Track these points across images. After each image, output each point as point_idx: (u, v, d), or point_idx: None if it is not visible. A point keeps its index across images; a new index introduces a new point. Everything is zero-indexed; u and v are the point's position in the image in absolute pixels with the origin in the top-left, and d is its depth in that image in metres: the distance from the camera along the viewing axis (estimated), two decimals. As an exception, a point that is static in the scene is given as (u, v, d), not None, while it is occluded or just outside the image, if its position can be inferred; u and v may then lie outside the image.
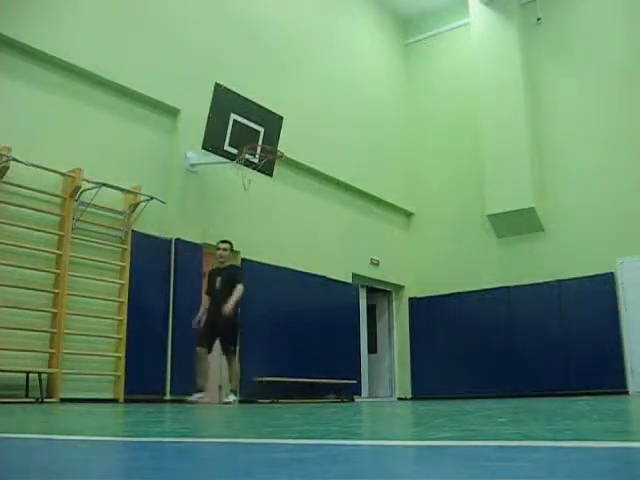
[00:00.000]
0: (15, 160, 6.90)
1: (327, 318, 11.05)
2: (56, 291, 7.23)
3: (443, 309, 12.96)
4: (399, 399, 12.95)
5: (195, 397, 7.34)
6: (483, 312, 12.43)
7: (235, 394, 7.66)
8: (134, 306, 7.97)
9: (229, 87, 8.91)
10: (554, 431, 2.13)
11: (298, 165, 10.95)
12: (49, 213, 7.40)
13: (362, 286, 12.60)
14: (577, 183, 12.13)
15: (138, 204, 8.26)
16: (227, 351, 7.66)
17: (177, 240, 8.71)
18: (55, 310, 7.19)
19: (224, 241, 7.94)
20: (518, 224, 12.36)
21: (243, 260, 9.71)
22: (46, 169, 7.30)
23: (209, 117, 8.70)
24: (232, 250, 8.02)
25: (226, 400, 7.67)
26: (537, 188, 12.34)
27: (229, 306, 7.42)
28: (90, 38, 8.06)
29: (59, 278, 7.27)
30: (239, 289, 7.57)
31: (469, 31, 13.51)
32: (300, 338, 10.32)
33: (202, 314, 7.67)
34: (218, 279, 7.72)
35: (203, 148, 8.72)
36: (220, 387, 9.39)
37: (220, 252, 7.81)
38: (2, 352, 6.64)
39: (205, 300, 7.83)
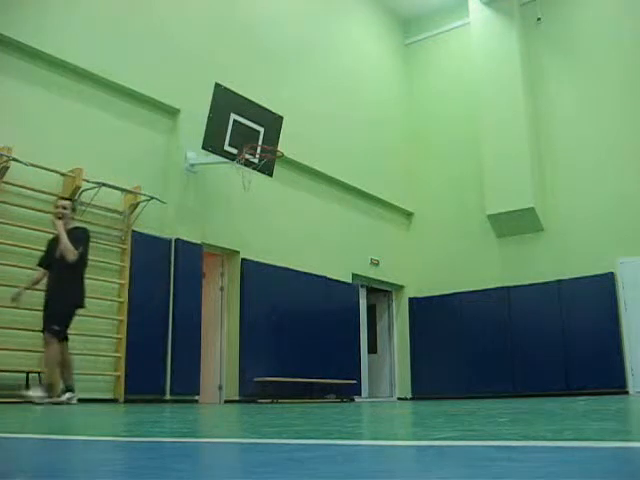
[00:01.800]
0: (15, 160, 6.90)
1: (327, 318, 11.05)
2: (56, 291, 7.21)
3: (443, 309, 12.96)
4: (399, 399, 12.95)
5: (66, 397, 6.07)
6: (483, 312, 12.43)
7: (72, 390, 6.10)
8: (134, 306, 7.97)
9: (229, 87, 8.91)
10: (554, 431, 2.13)
11: (298, 165, 10.95)
12: (49, 213, 7.39)
13: (362, 286, 12.59)
14: (577, 183, 12.13)
15: (138, 204, 8.26)
16: (46, 329, 6.11)
17: (177, 240, 8.71)
18: (55, 310, 7.18)
19: (64, 197, 6.64)
20: (518, 224, 12.35)
21: (243, 260, 9.71)
22: (46, 169, 7.30)
23: (209, 117, 8.69)
24: (74, 210, 6.54)
25: (58, 400, 6.02)
26: (537, 188, 12.34)
27: (67, 245, 6.12)
28: (90, 38, 8.06)
29: (59, 278, 7.25)
30: (73, 251, 6.14)
31: (469, 31, 13.51)
32: (300, 338, 10.33)
33: (26, 286, 6.34)
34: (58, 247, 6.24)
35: (203, 148, 8.72)
36: (220, 387, 9.40)
37: (59, 209, 6.32)
38: (2, 352, 6.64)
39: (39, 274, 6.39)
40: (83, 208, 7.65)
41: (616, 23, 12.23)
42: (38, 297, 7.08)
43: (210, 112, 8.71)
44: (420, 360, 13.06)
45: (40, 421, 3.60)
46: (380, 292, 13.47)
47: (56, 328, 6.09)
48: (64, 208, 6.33)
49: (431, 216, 13.71)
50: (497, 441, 1.73)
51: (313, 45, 11.92)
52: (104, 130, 8.20)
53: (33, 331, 7.01)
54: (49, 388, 6.02)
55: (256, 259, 9.87)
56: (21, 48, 7.42)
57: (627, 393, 10.80)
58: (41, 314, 6.83)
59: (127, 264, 8.05)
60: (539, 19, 12.90)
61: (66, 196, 6.82)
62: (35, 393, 5.92)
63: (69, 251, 6.14)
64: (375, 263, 12.76)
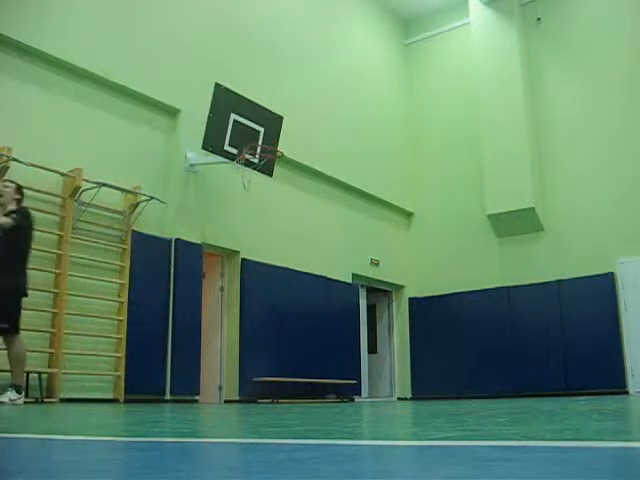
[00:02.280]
0: (15, 160, 6.90)
1: (327, 318, 11.04)
2: (56, 291, 7.23)
3: (443, 309, 12.96)
4: (399, 399, 12.95)
5: (8, 396, 5.68)
6: (483, 312, 12.43)
7: (18, 390, 5.73)
8: (134, 306, 7.97)
9: (229, 87, 8.91)
10: (554, 431, 2.13)
11: (298, 165, 10.95)
12: (49, 213, 7.39)
13: (362, 286, 12.59)
14: (577, 183, 12.13)
15: (138, 204, 8.25)
16: None
17: (177, 240, 8.71)
18: (55, 310, 7.19)
19: (9, 180, 6.29)
20: (518, 224, 12.35)
21: (243, 260, 9.71)
22: (46, 169, 7.30)
23: (209, 117, 8.69)
24: (21, 193, 6.09)
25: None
26: (537, 188, 12.34)
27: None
28: (90, 38, 8.05)
29: (59, 278, 7.27)
30: (7, 220, 5.75)
31: (469, 31, 13.51)
32: (300, 338, 10.32)
33: None
34: None
35: (203, 148, 8.72)
36: (220, 387, 9.40)
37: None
38: (2, 352, 6.63)
39: None
40: (83, 208, 7.65)
41: (616, 23, 12.23)
42: (37, 297, 7.10)
43: (210, 112, 8.70)
44: (420, 360, 13.06)
45: (40, 421, 3.60)
46: (380, 292, 13.46)
47: (5, 326, 5.71)
48: (5, 187, 5.99)
49: (431, 216, 13.71)
50: (497, 441, 1.73)
51: (313, 45, 11.92)
52: (104, 130, 8.19)
53: (32, 331, 7.02)
54: (20, 388, 5.81)
55: (256, 259, 9.87)
56: (21, 48, 7.41)
57: (627, 393, 10.80)
58: (41, 314, 6.83)
59: (127, 264, 8.05)
60: (539, 19, 12.89)
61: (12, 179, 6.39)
62: (5, 398, 5.66)
63: (3, 220, 5.73)
64: (375, 263, 12.76)
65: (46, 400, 6.78)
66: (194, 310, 8.76)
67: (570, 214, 12.06)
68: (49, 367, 7.06)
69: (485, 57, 13.08)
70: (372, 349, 13.14)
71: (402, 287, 13.53)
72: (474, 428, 2.38)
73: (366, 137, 12.82)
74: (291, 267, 10.43)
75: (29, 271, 6.31)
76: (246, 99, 9.11)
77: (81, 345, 7.45)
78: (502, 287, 12.41)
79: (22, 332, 6.79)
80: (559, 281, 11.80)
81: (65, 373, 7.15)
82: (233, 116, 8.95)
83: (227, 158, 8.92)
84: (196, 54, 9.36)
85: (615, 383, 10.81)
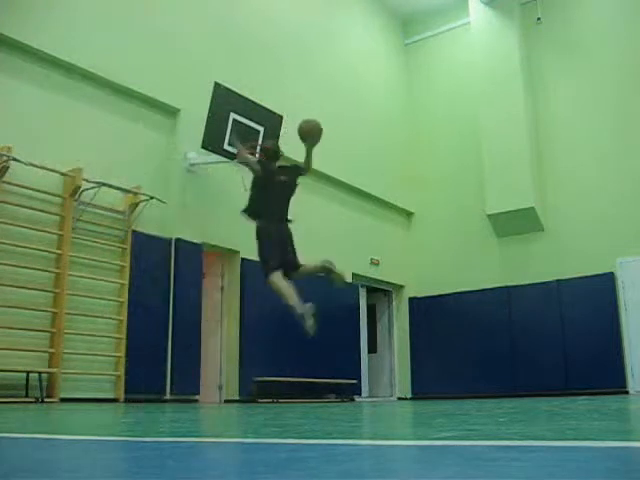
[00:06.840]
0: (15, 160, 6.90)
1: (327, 318, 11.01)
2: (56, 291, 7.23)
3: (443, 309, 12.96)
4: (399, 399, 12.95)
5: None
6: (483, 312, 12.43)
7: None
8: (134, 306, 7.96)
9: (229, 87, 8.90)
10: (554, 431, 2.13)
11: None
12: (49, 213, 7.39)
13: (362, 286, 12.59)
14: (577, 183, 12.13)
15: (138, 204, 8.25)
16: None
17: (177, 240, 8.70)
18: (55, 310, 7.19)
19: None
20: (518, 224, 12.35)
21: (243, 260, 9.70)
22: (46, 169, 7.29)
23: (208, 116, 8.67)
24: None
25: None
26: (537, 188, 12.34)
27: None
28: (90, 38, 8.05)
29: (59, 278, 7.27)
30: None
31: (469, 31, 13.51)
32: (300, 338, 10.28)
33: None
34: None
35: (203, 147, 8.70)
36: (220, 387, 9.40)
37: None
38: (2, 352, 6.64)
39: None
40: (83, 208, 7.65)
41: (616, 23, 12.23)
42: (37, 297, 7.11)
43: (210, 111, 8.69)
44: (420, 360, 13.06)
45: (40, 421, 3.60)
46: (380, 292, 13.46)
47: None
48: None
49: (431, 216, 13.71)
50: (497, 441, 1.73)
51: (313, 45, 11.91)
52: (104, 130, 8.19)
53: (33, 331, 7.03)
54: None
55: (256, 259, 9.84)
56: (21, 48, 7.41)
57: (627, 393, 10.80)
58: (41, 314, 6.83)
59: (127, 264, 8.04)
60: (539, 19, 12.88)
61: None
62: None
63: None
64: (375, 263, 12.75)
65: (46, 400, 6.78)
66: (194, 310, 8.76)
67: (570, 214, 12.06)
68: (49, 367, 7.06)
69: (485, 57, 13.07)
70: (372, 349, 13.14)
71: (402, 287, 13.53)
72: (474, 428, 2.38)
73: (366, 137, 12.81)
74: (291, 267, 10.42)
75: (30, 271, 6.31)
76: (246, 98, 9.10)
77: (81, 345, 7.45)
78: (502, 287, 12.41)
79: (22, 332, 6.84)
80: (559, 281, 11.80)
81: (65, 373, 7.15)
82: (233, 115, 8.94)
83: (227, 157, 8.92)
84: (196, 54, 9.36)
85: (615, 383, 10.81)
